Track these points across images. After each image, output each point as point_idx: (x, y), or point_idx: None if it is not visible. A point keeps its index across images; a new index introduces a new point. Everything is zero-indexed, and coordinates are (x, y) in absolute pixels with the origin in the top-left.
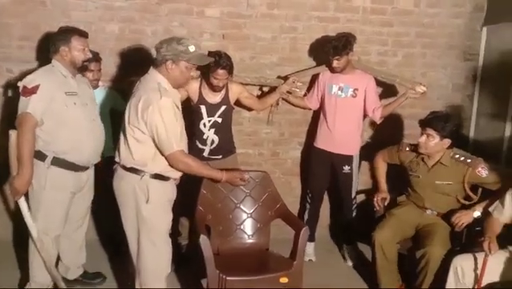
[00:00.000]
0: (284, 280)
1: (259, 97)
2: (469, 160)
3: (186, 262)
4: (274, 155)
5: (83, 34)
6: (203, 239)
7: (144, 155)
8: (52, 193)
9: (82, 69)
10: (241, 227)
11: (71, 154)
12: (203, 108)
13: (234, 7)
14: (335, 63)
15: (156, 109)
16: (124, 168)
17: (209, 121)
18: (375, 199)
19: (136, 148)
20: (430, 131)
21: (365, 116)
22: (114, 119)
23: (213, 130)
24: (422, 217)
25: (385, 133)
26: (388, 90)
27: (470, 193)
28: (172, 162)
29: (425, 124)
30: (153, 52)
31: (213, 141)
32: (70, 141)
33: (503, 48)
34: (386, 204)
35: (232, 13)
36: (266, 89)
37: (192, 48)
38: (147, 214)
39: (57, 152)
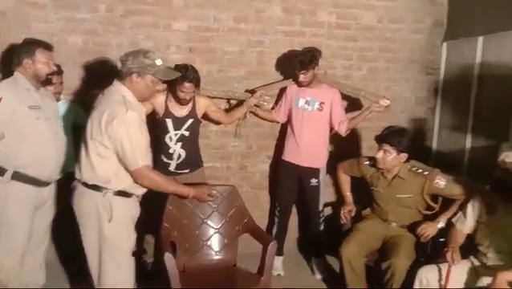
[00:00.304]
0: None
1: (227, 111)
2: (426, 173)
3: (151, 280)
4: (242, 168)
5: (48, 47)
6: (168, 257)
7: (107, 171)
8: (14, 208)
9: (44, 82)
10: (208, 243)
11: (32, 168)
12: (169, 122)
13: (201, 21)
14: (302, 78)
15: (122, 123)
16: (86, 185)
17: (176, 135)
18: (342, 212)
19: (99, 163)
20: (387, 146)
21: (331, 129)
22: (75, 133)
23: (179, 144)
24: (388, 229)
25: (351, 146)
26: (353, 103)
27: (431, 203)
28: (137, 178)
29: (381, 139)
30: (118, 65)
31: (179, 155)
32: (32, 155)
33: (462, 63)
34: (352, 215)
35: (199, 26)
36: (233, 102)
37: (159, 62)
38: (109, 234)
39: (18, 166)
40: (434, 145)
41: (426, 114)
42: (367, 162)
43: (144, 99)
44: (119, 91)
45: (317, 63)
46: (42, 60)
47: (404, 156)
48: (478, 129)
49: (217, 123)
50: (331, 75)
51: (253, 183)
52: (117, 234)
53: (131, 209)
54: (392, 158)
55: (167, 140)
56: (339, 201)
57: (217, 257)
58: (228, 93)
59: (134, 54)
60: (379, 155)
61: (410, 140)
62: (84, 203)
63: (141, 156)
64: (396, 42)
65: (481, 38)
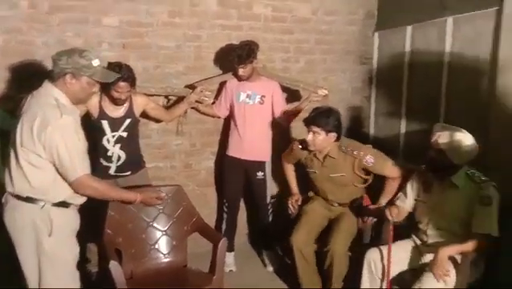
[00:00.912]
0: None
1: (166, 108)
2: (355, 152)
3: None
4: (187, 167)
5: None
6: (113, 265)
7: (43, 182)
8: None
9: None
10: (156, 246)
11: None
12: (105, 123)
13: (134, 15)
14: (241, 72)
15: (56, 129)
16: (19, 197)
17: (113, 136)
18: (290, 202)
19: (33, 174)
20: (315, 128)
21: (273, 121)
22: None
23: (118, 145)
24: (331, 210)
25: (293, 137)
26: (292, 95)
27: (364, 176)
28: (77, 188)
29: (309, 122)
30: (46, 65)
31: (119, 157)
32: None
33: (393, 51)
34: (299, 204)
35: (131, 21)
36: (172, 99)
37: (96, 62)
38: (50, 248)
39: None
40: (371, 132)
41: (362, 102)
42: (300, 146)
43: (78, 102)
44: (50, 93)
45: (255, 57)
46: None
47: (333, 135)
48: (411, 114)
49: (158, 121)
50: (269, 68)
51: (198, 181)
52: (59, 248)
53: (71, 221)
54: (321, 139)
55: (104, 142)
56: (287, 193)
57: (166, 259)
58: (167, 89)
59: (68, 53)
60: (309, 137)
61: (338, 120)
62: (18, 218)
63: (80, 164)
64: (332, 33)
65: (409, 28)
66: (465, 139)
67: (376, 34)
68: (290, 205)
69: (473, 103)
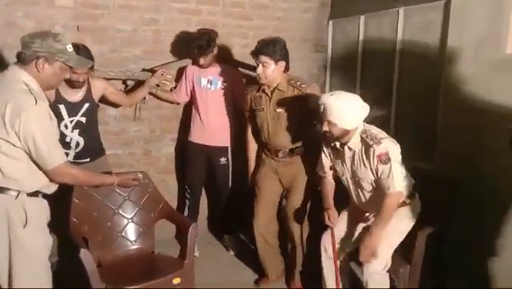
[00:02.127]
0: (177, 281)
1: (126, 92)
2: (303, 85)
3: (60, 283)
4: (146, 154)
5: None
6: (84, 253)
7: (17, 171)
8: None
9: None
10: (123, 234)
11: None
12: (62, 108)
13: None
14: (202, 61)
15: (32, 116)
16: None
17: (71, 122)
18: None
19: (7, 163)
20: (263, 58)
21: (234, 106)
22: None
23: (76, 131)
24: (279, 172)
25: None
26: (252, 81)
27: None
28: (55, 177)
29: (256, 53)
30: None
31: (77, 143)
32: None
33: (347, 40)
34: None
35: (86, 3)
36: (130, 84)
37: (70, 47)
38: (25, 240)
39: None
40: None
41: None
42: (252, 88)
43: (47, 88)
44: (19, 77)
45: (215, 45)
46: None
47: (282, 64)
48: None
49: (116, 106)
50: (228, 55)
51: (158, 168)
52: (34, 239)
53: (44, 211)
54: (271, 70)
55: (62, 128)
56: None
57: (134, 246)
58: (126, 73)
59: (42, 36)
60: (259, 70)
61: (284, 47)
62: None
63: (58, 152)
64: (288, 21)
65: (362, 17)
66: (349, 103)
67: (331, 23)
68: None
69: (424, 89)
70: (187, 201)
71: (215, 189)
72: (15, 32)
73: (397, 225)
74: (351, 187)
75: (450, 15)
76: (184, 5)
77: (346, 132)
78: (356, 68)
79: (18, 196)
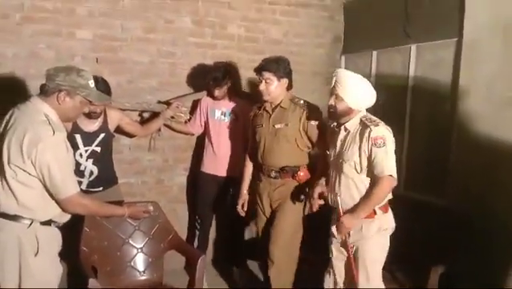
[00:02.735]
0: None
1: (141, 123)
2: (306, 104)
3: None
4: (159, 183)
5: None
6: (92, 283)
7: (31, 200)
8: None
9: None
10: (132, 264)
11: None
12: (78, 138)
13: (108, 30)
14: (217, 93)
15: (48, 147)
16: (5, 216)
17: (86, 151)
18: (238, 206)
19: (22, 192)
20: (266, 74)
21: (245, 138)
22: None
23: (91, 160)
24: (271, 194)
25: None
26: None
27: (306, 141)
28: (67, 207)
29: (260, 69)
30: (16, 77)
31: (91, 172)
32: None
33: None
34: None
35: (105, 35)
36: (146, 114)
37: (92, 83)
38: (36, 269)
39: None
40: None
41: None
42: (255, 106)
43: (66, 120)
44: (40, 109)
45: (230, 78)
46: None
47: (285, 81)
48: None
49: (130, 136)
50: (241, 88)
51: (170, 197)
52: (45, 268)
53: (56, 240)
54: (274, 86)
55: (77, 157)
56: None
57: (143, 277)
58: (142, 105)
59: (66, 70)
60: (262, 86)
61: (288, 66)
62: (2, 237)
63: (72, 182)
64: (301, 55)
65: (375, 53)
66: (361, 83)
67: (343, 58)
68: (239, 210)
69: (436, 125)
70: (197, 231)
71: (225, 220)
72: (37, 63)
73: (380, 239)
74: (332, 172)
75: (462, 53)
76: (200, 39)
77: (349, 111)
78: None
79: (31, 224)
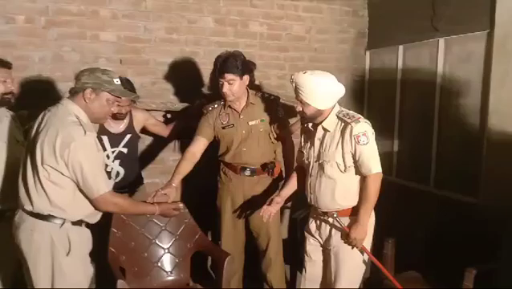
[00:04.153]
0: None
1: (166, 123)
2: (272, 97)
3: None
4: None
5: (5, 65)
6: (121, 284)
7: (64, 199)
8: None
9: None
10: (159, 264)
11: None
12: (105, 139)
13: (131, 31)
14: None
15: (80, 147)
16: (38, 216)
17: (113, 152)
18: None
19: (54, 191)
20: (228, 76)
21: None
22: None
23: (117, 161)
24: (245, 191)
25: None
26: (289, 111)
27: (274, 134)
28: (100, 205)
29: (220, 72)
30: (42, 80)
31: (118, 173)
32: None
33: (385, 70)
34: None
35: (129, 37)
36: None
37: (117, 81)
38: (68, 269)
39: None
40: None
41: None
42: (211, 107)
43: (96, 121)
44: (69, 109)
45: (252, 75)
46: None
47: (247, 78)
48: (404, 132)
49: (156, 136)
50: (265, 85)
51: (195, 197)
52: (76, 268)
53: (87, 240)
54: (237, 85)
55: (104, 158)
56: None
57: (170, 278)
58: (167, 105)
59: (90, 69)
60: (225, 88)
61: (244, 60)
62: (36, 237)
63: (104, 181)
64: (324, 52)
65: (401, 47)
66: (322, 82)
67: (368, 53)
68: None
69: (467, 121)
70: None
71: None
72: (62, 65)
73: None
74: (312, 172)
75: (493, 46)
76: (222, 38)
77: (319, 113)
78: (395, 98)
79: (62, 224)
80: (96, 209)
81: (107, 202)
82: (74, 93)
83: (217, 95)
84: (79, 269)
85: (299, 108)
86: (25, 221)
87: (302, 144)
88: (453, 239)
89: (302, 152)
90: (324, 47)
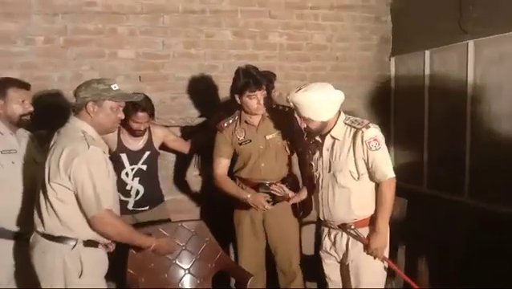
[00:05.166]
0: None
1: (186, 139)
2: (287, 109)
3: None
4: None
5: (23, 86)
6: None
7: (73, 218)
8: None
9: (19, 124)
10: (180, 286)
11: (9, 221)
12: (124, 157)
13: (149, 47)
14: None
15: (83, 160)
16: (50, 237)
17: (132, 170)
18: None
19: (64, 210)
20: (261, 90)
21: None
22: None
23: (137, 179)
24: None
25: None
26: None
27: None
28: (97, 225)
29: (254, 86)
30: (62, 100)
31: (137, 192)
32: (6, 205)
33: (411, 76)
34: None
35: (147, 53)
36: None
37: (114, 86)
38: None
39: None
40: (392, 157)
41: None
42: (226, 123)
43: (106, 132)
44: (77, 126)
45: (273, 87)
46: (15, 100)
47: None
48: (433, 139)
49: (176, 152)
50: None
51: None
52: None
53: (101, 262)
54: (263, 99)
55: (123, 176)
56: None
57: None
58: (186, 120)
59: (86, 83)
60: (257, 103)
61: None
62: (49, 260)
63: (105, 198)
64: (347, 60)
65: (427, 52)
66: (320, 94)
67: (393, 59)
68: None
69: (501, 127)
70: None
71: None
72: None
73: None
74: (323, 184)
75: None
76: (241, 51)
77: (325, 124)
78: (423, 106)
79: (74, 246)
80: (93, 229)
81: (104, 221)
82: (76, 110)
83: (235, 108)
84: None
85: (304, 126)
86: (38, 242)
87: (310, 155)
88: (491, 254)
89: (311, 165)
90: (346, 55)
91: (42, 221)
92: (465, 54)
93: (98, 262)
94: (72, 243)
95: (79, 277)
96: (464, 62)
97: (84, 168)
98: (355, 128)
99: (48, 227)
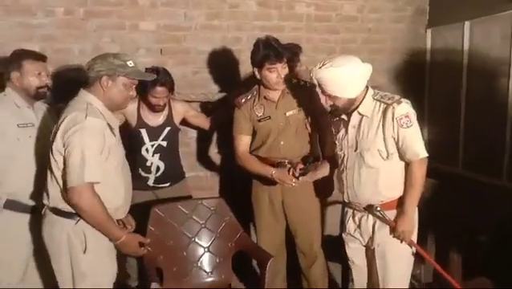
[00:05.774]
0: None
1: (207, 114)
2: (308, 84)
3: None
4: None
5: (39, 58)
6: (154, 287)
7: None
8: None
9: (37, 96)
10: (199, 264)
11: (25, 195)
12: (143, 132)
13: (171, 19)
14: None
15: (78, 130)
16: (55, 211)
17: (152, 146)
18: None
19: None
20: (284, 64)
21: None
22: None
23: (157, 155)
24: (283, 202)
25: None
26: None
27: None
28: (73, 197)
29: (275, 58)
30: (82, 72)
31: (158, 168)
32: (22, 179)
33: (449, 50)
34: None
35: (169, 26)
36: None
37: (130, 63)
38: (86, 267)
39: (10, 193)
40: (425, 134)
41: (414, 103)
42: (244, 99)
43: (117, 108)
44: (84, 99)
45: (298, 60)
46: (31, 72)
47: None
48: (471, 115)
49: (197, 128)
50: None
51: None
52: (95, 267)
53: (107, 239)
54: (286, 71)
55: (143, 152)
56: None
57: (210, 279)
58: (208, 95)
59: (102, 56)
60: (277, 77)
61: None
62: (55, 234)
63: (90, 172)
64: (379, 32)
65: (467, 24)
66: (344, 69)
67: (429, 31)
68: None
69: None
70: None
71: None
72: None
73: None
74: (348, 164)
75: None
76: (266, 22)
77: (352, 101)
78: (461, 82)
79: (78, 221)
80: (68, 199)
81: (82, 194)
82: (89, 83)
83: (256, 83)
84: (99, 267)
85: (330, 103)
86: (47, 216)
87: (334, 133)
88: None
89: (335, 144)
90: (379, 27)
91: (47, 193)
92: (510, 26)
93: (102, 237)
94: (76, 218)
95: (84, 252)
96: (508, 35)
97: (77, 136)
98: (385, 103)
99: (52, 199)
